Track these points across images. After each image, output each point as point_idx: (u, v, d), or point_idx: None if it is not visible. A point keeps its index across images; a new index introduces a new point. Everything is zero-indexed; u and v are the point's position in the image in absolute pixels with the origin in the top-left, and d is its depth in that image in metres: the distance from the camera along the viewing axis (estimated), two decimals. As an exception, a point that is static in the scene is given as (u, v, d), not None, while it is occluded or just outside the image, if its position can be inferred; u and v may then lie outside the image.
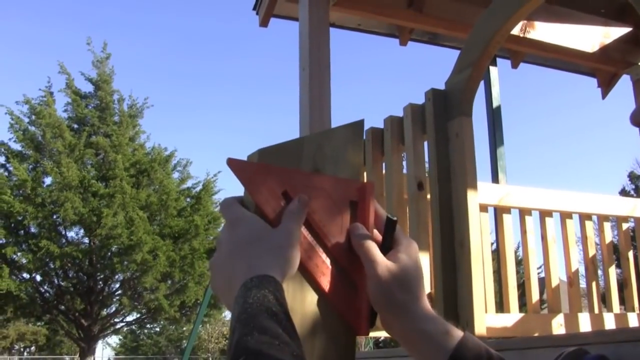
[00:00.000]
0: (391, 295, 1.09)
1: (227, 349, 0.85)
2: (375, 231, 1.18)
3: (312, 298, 1.12)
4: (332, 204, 1.15)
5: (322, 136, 1.20)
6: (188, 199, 29.37)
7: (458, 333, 1.08)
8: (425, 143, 4.03)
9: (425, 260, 3.87)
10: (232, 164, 1.10)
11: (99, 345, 42.48)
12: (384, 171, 4.35)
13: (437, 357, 1.05)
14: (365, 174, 4.50)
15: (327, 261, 1.14)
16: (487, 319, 3.65)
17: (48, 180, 26.45)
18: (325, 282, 1.12)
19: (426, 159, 4.01)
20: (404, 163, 4.23)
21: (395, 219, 1.16)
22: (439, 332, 1.07)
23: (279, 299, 0.92)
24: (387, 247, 1.15)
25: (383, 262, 1.10)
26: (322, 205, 1.14)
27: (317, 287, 1.13)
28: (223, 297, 1.05)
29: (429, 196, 3.95)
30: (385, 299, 1.09)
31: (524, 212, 4.90)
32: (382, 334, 6.05)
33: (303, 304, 1.11)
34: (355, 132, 1.24)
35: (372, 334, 5.58)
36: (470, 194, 3.69)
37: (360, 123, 1.25)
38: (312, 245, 1.13)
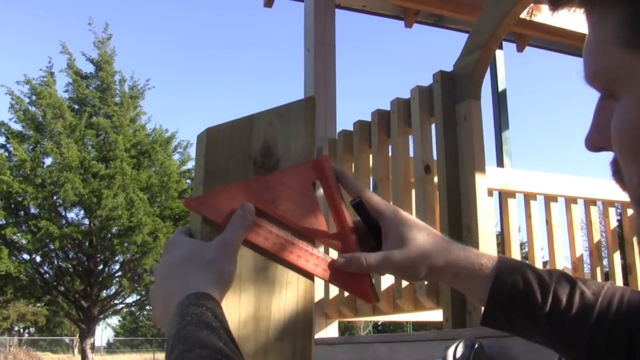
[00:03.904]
0: (412, 273, 1.12)
1: None
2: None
3: (277, 302, 1.12)
4: (297, 194, 1.15)
5: (272, 113, 1.20)
6: (189, 181, 29.29)
7: (492, 262, 1.10)
8: (433, 126, 3.99)
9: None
10: (189, 204, 1.12)
11: (99, 326, 42.64)
12: (390, 154, 4.31)
13: (482, 289, 1.09)
14: (371, 156, 4.47)
15: (315, 251, 1.15)
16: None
17: (48, 161, 26.44)
18: (320, 271, 1.14)
19: (433, 142, 3.97)
20: (411, 146, 4.19)
21: (357, 200, 1.15)
22: (474, 271, 1.09)
23: (217, 315, 0.91)
24: (372, 226, 1.16)
25: (379, 262, 1.12)
26: (289, 200, 1.15)
27: (317, 277, 1.15)
28: (163, 324, 1.02)
29: (435, 179, 3.92)
30: (410, 276, 1.14)
31: (528, 197, 4.88)
32: (381, 318, 6.06)
33: (256, 315, 1.11)
34: (307, 108, 1.23)
35: (372, 318, 5.58)
36: (478, 178, 3.65)
37: (312, 99, 1.24)
38: (295, 244, 1.13)
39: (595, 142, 0.76)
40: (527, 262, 1.12)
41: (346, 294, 4.32)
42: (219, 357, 0.80)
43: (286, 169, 1.16)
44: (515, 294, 1.06)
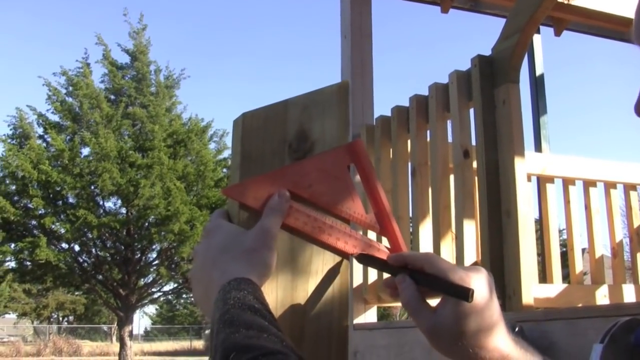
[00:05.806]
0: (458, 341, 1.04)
1: (213, 350, 0.84)
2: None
3: (314, 285, 1.14)
4: (333, 178, 1.16)
5: (307, 98, 1.21)
6: (225, 170, 29.37)
7: None
8: (471, 110, 3.98)
9: (471, 229, 3.83)
10: (228, 192, 1.12)
11: (137, 314, 43.01)
12: (428, 139, 4.31)
13: None
14: (409, 142, 4.47)
15: (354, 233, 1.16)
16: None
17: (86, 151, 26.65)
18: (359, 252, 1.16)
19: (472, 126, 3.96)
20: (449, 131, 4.17)
21: (470, 291, 1.01)
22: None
23: (258, 297, 0.92)
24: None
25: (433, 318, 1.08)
26: (326, 185, 1.15)
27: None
28: (203, 307, 1.05)
29: (474, 164, 3.91)
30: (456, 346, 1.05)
31: (567, 182, 4.85)
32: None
33: (293, 299, 1.12)
34: (340, 92, 1.23)
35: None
36: (518, 163, 3.64)
37: (345, 83, 1.25)
38: (333, 226, 1.15)
39: None
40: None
41: (385, 276, 4.32)
42: (266, 335, 0.81)
43: (321, 154, 1.17)
44: None
